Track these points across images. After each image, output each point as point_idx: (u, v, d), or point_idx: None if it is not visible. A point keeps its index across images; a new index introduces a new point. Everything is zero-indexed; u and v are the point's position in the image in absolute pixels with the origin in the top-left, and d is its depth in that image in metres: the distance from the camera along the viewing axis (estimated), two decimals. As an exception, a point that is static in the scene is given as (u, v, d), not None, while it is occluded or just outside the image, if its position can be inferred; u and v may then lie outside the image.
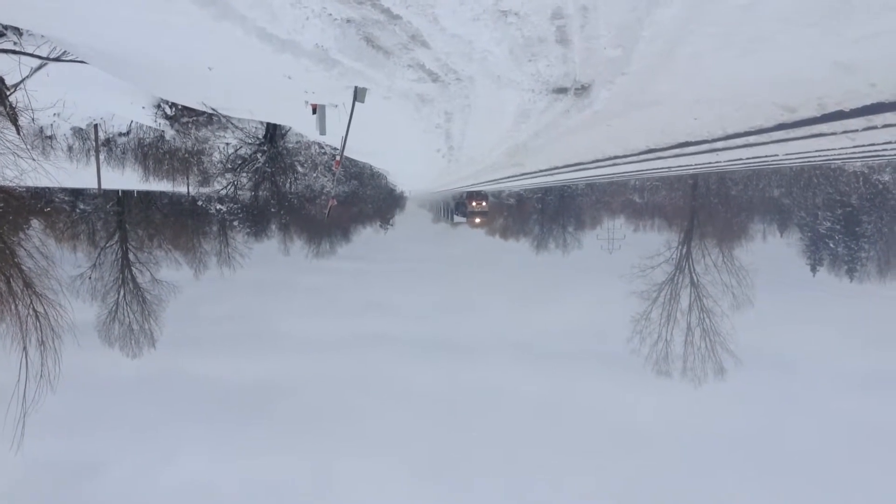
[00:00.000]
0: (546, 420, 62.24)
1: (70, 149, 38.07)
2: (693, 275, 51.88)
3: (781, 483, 52.65)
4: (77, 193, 49.73)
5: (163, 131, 38.78)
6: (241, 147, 43.74)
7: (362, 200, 59.83)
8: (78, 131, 37.94)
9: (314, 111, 14.57)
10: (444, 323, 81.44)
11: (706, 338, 47.12)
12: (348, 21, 9.16)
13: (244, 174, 44.97)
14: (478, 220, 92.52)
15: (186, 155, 40.78)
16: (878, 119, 12.10)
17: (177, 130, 38.48)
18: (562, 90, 12.03)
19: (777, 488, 52.43)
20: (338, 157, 15.53)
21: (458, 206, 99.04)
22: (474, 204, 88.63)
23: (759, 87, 10.15)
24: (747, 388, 50.85)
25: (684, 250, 54.59)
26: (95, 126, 37.97)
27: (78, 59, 22.05)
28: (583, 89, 11.99)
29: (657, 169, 30.91)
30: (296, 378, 68.66)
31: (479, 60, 10.00)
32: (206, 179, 43.76)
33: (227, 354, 66.49)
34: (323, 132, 14.78)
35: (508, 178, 38.60)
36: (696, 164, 26.42)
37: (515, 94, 12.23)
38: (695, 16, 6.58)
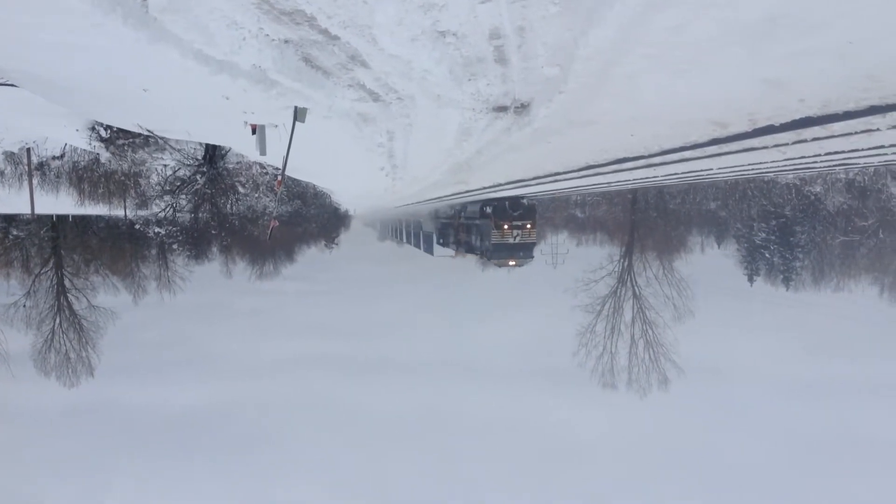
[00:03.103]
0: (493, 437, 62.37)
1: (1, 174, 36.92)
2: (635, 287, 52.76)
3: (722, 491, 53.65)
4: (10, 219, 48.14)
5: (98, 154, 37.85)
6: (179, 168, 42.94)
7: (306, 220, 59.21)
8: (10, 156, 36.80)
9: (254, 131, 14.38)
10: (388, 343, 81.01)
11: (650, 349, 47.89)
12: (286, 42, 9.10)
13: (183, 196, 44.12)
14: (512, 262, 48.81)
15: (123, 177, 39.88)
16: (807, 133, 12.52)
17: (112, 153, 37.58)
18: (502, 108, 12.15)
19: (718, 497, 53.40)
20: (279, 177, 15.36)
21: (454, 231, 62.54)
22: (506, 227, 46.12)
23: (692, 104, 10.42)
24: (689, 397, 51.83)
25: (626, 263, 55.48)
26: (28, 150, 36.87)
27: (7, 83, 21.41)
28: (523, 108, 12.13)
29: (597, 184, 31.42)
30: (235, 404, 67.45)
31: (419, 80, 10.04)
32: (143, 202, 42.83)
33: (167, 381, 65.00)
34: (263, 152, 14.59)
35: (453, 195, 38.77)
36: (634, 179, 26.90)
37: (457, 112, 12.30)
38: (629, 37, 6.72)
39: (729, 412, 60.16)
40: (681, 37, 6.81)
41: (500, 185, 30.20)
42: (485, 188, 32.49)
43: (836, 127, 11.58)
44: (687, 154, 16.22)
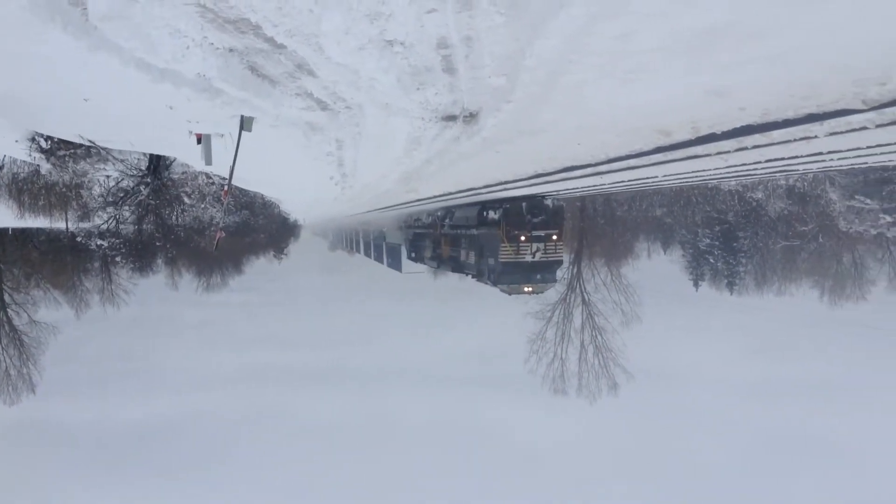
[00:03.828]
0: (445, 446, 62.32)
1: (-66, 186, 35.59)
2: (584, 294, 53.22)
3: (672, 491, 54.50)
4: (-54, 234, 46.62)
5: (38, 165, 36.74)
6: (122, 179, 41.96)
7: (254, 230, 58.35)
8: (-57, 167, 35.51)
9: (199, 141, 14.15)
10: (339, 352, 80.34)
11: (599, 354, 48.33)
12: (231, 50, 8.97)
13: (127, 207, 43.13)
14: (528, 289, 37.59)
15: (64, 189, 38.75)
16: (748, 140, 12.81)
17: (53, 164, 36.52)
18: (451, 118, 12.16)
19: (668, 497, 54.23)
20: (226, 187, 15.12)
21: (431, 244, 52.06)
22: (523, 239, 35.02)
23: (637, 113, 10.58)
24: (638, 401, 52.57)
25: (575, 270, 55.97)
26: (-37, 161, 35.64)
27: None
28: (471, 117, 12.16)
29: (547, 193, 31.71)
30: (183, 418, 66.18)
31: (367, 89, 9.99)
32: (86, 214, 41.71)
33: (112, 397, 63.45)
34: (209, 162, 14.37)
35: (404, 204, 38.72)
36: (582, 187, 27.25)
37: (406, 121, 12.28)
38: (574, 47, 6.79)
39: (677, 414, 61.24)
40: (625, 46, 6.91)
41: (451, 193, 30.27)
42: (435, 196, 32.47)
43: (776, 134, 11.89)
44: (633, 162, 16.47)
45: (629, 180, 22.87)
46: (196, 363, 71.90)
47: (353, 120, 12.48)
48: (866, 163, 23.39)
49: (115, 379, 66.32)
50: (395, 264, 68.07)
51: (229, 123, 11.99)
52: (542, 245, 34.95)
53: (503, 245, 34.62)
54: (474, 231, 40.03)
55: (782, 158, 16.68)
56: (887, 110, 9.49)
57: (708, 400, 61.41)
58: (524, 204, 34.50)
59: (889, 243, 48.80)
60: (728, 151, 14.43)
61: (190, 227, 47.50)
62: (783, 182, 47.04)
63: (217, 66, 9.27)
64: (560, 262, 37.27)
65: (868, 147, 14.42)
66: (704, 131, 12.09)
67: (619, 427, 58.21)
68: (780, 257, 51.34)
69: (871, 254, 50.51)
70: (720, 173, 21.17)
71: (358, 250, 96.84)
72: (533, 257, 34.95)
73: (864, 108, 9.40)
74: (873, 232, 47.00)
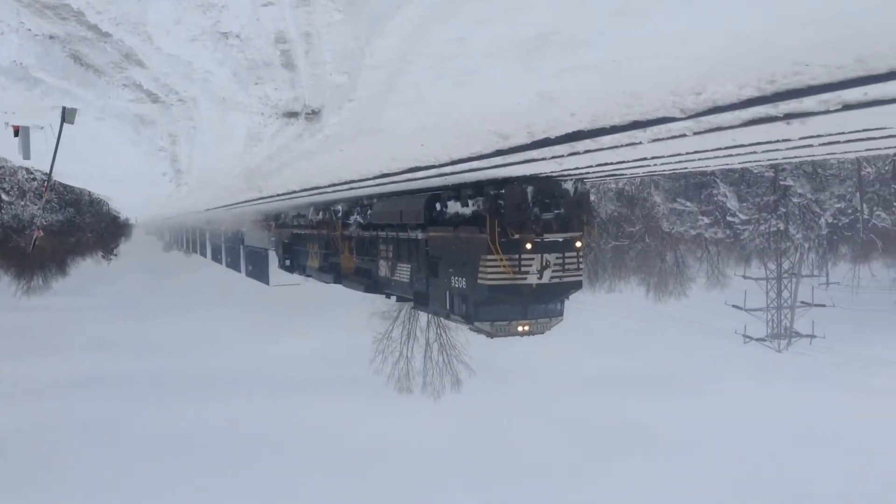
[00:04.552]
0: (291, 449, 61.21)
1: None
2: (429, 291, 53.73)
3: (512, 482, 56.41)
4: None
5: None
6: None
7: (80, 229, 54.63)
8: None
9: (16, 133, 13.14)
10: (176, 358, 76.88)
11: (443, 352, 49.21)
12: (51, 37, 8.36)
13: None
14: (525, 327, 23.55)
15: None
16: (580, 145, 13.43)
17: None
18: (292, 114, 11.94)
19: (509, 488, 56.10)
20: (46, 183, 14.12)
21: (321, 249, 41.18)
22: (528, 246, 22.12)
23: (475, 116, 10.85)
24: (479, 397, 54.02)
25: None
26: None
27: None
28: (313, 114, 12.00)
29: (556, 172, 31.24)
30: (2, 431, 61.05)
31: (202, 81, 9.62)
32: None
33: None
34: (27, 156, 13.35)
35: (248, 202, 37.59)
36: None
37: (244, 116, 11.93)
38: (412, 48, 6.86)
39: (516, 409, 63.48)
40: (462, 49, 7.05)
41: (295, 192, 29.76)
42: (279, 195, 31.77)
43: (605, 140, 12.55)
44: (474, 164, 16.86)
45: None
46: (15, 372, 66.45)
47: (188, 114, 11.98)
48: (686, 168, 25.22)
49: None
50: (259, 274, 52.93)
51: (49, 115, 11.19)
52: (556, 257, 22.61)
53: (488, 257, 22.27)
54: (419, 235, 27.71)
55: (612, 163, 17.64)
56: (703, 119, 10.26)
57: (546, 394, 64.08)
58: (529, 188, 22.39)
59: (707, 243, 52.78)
60: (563, 155, 15.08)
61: (8, 225, 44.02)
62: (613, 185, 49.74)
63: (36, 54, 8.62)
64: (578, 285, 24.07)
65: (687, 153, 15.55)
66: (539, 135, 12.56)
67: (462, 423, 59.56)
68: (610, 256, 54.25)
69: (691, 253, 54.43)
70: (556, 176, 22.06)
71: (202, 252, 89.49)
72: (540, 277, 22.37)
73: (682, 116, 10.12)
74: (693, 233, 50.66)
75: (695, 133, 11.24)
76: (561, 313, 24.24)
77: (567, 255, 22.78)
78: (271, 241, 53.12)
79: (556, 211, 22.76)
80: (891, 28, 6.26)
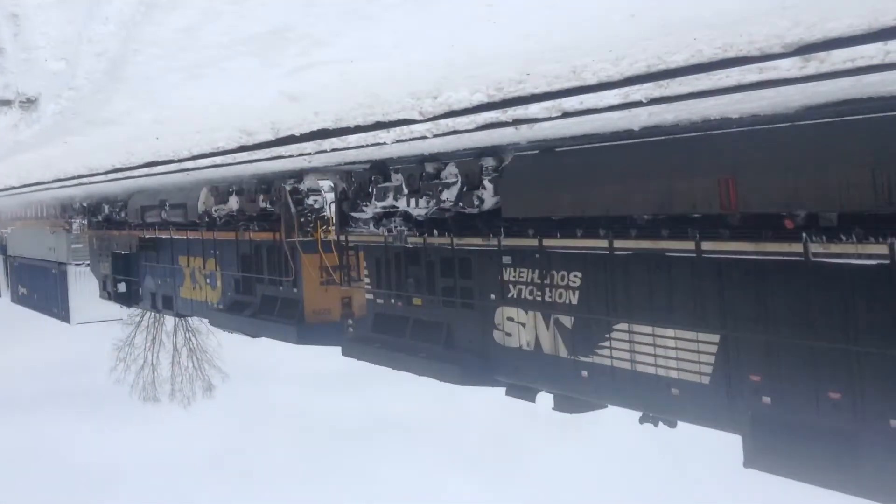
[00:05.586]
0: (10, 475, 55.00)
1: None
2: (176, 295, 51.11)
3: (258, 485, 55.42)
4: None
5: None
6: None
7: None
8: None
9: None
10: None
11: (193, 357, 47.23)
12: None
13: None
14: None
15: None
16: (327, 143, 13.48)
17: None
18: (5, 102, 10.75)
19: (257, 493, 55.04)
20: None
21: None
22: None
23: (214, 110, 10.44)
24: (233, 400, 52.58)
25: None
26: None
27: None
28: (29, 102, 10.89)
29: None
30: None
31: None
32: None
33: None
34: None
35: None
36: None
37: (-57, 103, 10.52)
38: (135, 35, 6.41)
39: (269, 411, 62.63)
40: (193, 40, 6.71)
41: (16, 187, 26.94)
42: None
43: (351, 139, 12.70)
44: (218, 160, 16.29)
45: (219, 178, 22.56)
46: None
47: None
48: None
49: None
50: (56, 307, 37.28)
51: None
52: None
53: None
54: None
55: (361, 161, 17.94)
56: (441, 122, 10.69)
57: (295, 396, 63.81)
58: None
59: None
60: (310, 153, 15.04)
61: None
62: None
63: None
64: None
65: (430, 154, 16.20)
66: (284, 133, 12.40)
67: (216, 428, 57.44)
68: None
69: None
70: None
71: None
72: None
73: (422, 118, 10.47)
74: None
75: (434, 135, 11.70)
76: None
77: None
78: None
79: None
80: (596, 45, 6.92)
